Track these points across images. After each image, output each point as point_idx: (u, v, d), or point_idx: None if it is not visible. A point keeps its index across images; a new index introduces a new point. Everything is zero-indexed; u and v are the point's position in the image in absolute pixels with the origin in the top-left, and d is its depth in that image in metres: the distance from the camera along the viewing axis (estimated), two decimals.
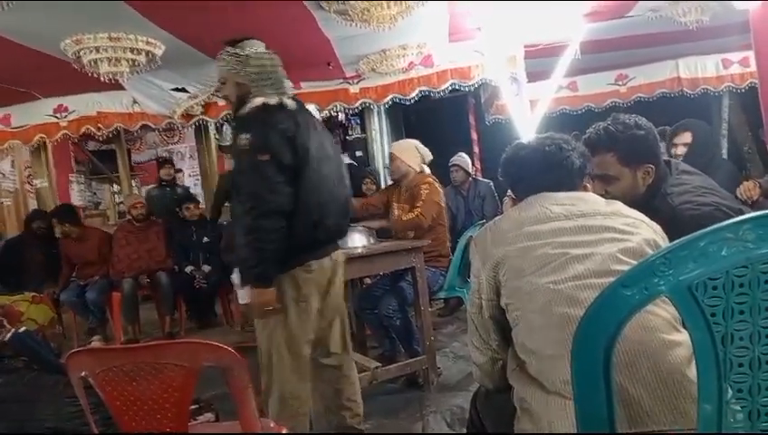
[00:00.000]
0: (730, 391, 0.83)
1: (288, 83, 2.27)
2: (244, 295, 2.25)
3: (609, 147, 1.73)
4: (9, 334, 2.00)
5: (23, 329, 2.08)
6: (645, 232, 1.34)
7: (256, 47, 2.23)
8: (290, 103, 2.20)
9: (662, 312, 1.20)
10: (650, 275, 0.84)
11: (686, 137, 2.99)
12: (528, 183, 1.50)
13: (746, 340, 0.81)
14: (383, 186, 6.02)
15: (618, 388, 1.08)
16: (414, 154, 3.63)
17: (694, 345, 0.84)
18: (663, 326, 1.19)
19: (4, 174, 6.82)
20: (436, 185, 3.63)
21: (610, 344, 0.88)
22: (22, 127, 4.67)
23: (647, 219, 1.40)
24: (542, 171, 1.47)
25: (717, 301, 0.81)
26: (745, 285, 0.80)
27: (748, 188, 2.49)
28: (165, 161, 6.11)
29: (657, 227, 1.38)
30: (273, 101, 2.15)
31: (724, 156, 5.35)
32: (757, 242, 0.79)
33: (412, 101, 4.70)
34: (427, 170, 3.72)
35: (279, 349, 2.19)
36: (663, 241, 1.35)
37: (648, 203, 1.72)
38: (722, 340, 0.81)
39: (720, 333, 0.81)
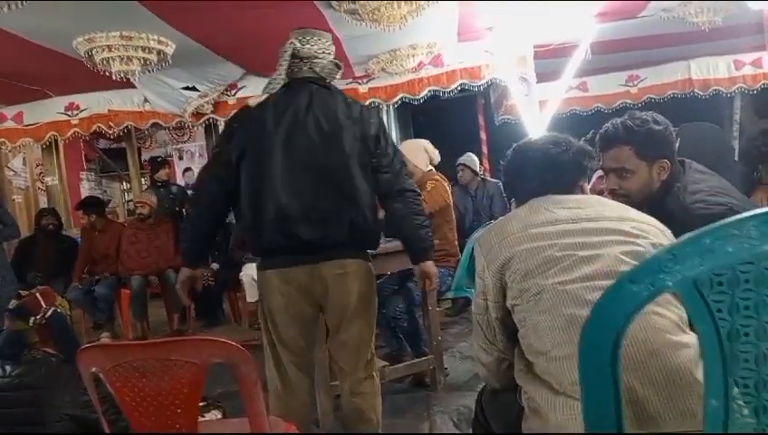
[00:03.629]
0: (736, 387, 0.83)
1: (277, 76, 2.11)
2: (253, 293, 2.25)
3: (626, 140, 1.74)
4: (50, 311, 2.02)
5: (60, 310, 2.10)
6: (653, 236, 1.34)
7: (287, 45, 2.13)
8: (254, 102, 2.11)
9: (669, 313, 1.20)
10: (657, 271, 0.84)
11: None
12: (528, 183, 1.50)
13: (752, 335, 0.81)
14: None
15: (626, 388, 1.08)
16: (421, 154, 3.63)
17: (700, 341, 0.85)
18: (670, 328, 1.19)
19: (15, 171, 6.88)
20: (445, 184, 3.63)
21: (618, 340, 0.88)
22: (33, 125, 4.70)
23: (657, 223, 1.39)
24: (540, 171, 1.48)
25: (723, 296, 0.81)
26: (751, 281, 0.80)
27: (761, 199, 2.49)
28: (163, 162, 6.11)
29: (668, 232, 1.38)
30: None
31: (736, 157, 5.30)
32: (762, 239, 0.79)
33: (421, 100, 4.70)
34: (434, 170, 3.72)
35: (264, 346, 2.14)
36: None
37: (661, 200, 1.72)
38: (728, 335, 0.82)
39: (726, 329, 0.82)
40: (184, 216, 5.60)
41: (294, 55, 2.10)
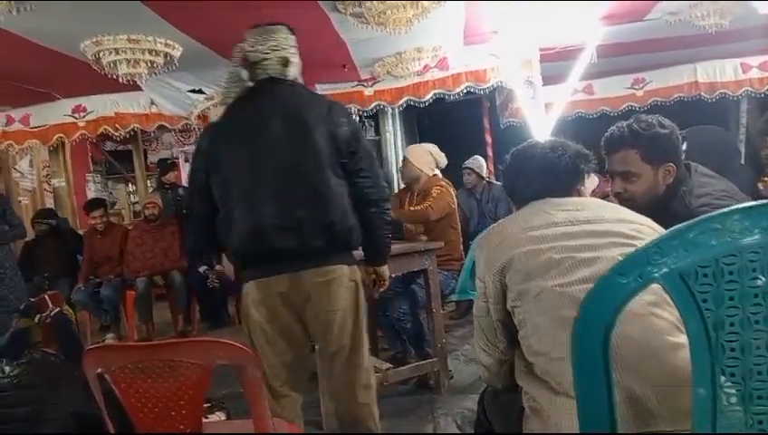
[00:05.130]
0: (723, 376, 0.85)
1: (228, 84, 2.05)
2: None
3: (632, 143, 1.74)
4: (56, 310, 2.06)
5: (66, 312, 2.14)
6: (651, 238, 1.34)
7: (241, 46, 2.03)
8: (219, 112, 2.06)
9: (667, 315, 1.21)
10: (644, 264, 0.88)
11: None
12: (526, 187, 1.52)
13: (737, 325, 0.84)
14: (396, 187, 6.02)
15: (624, 387, 1.10)
16: (426, 158, 3.62)
17: (687, 332, 0.87)
18: (668, 329, 1.20)
19: (22, 173, 6.90)
20: (450, 189, 3.62)
21: (608, 332, 0.91)
22: (41, 127, 4.74)
23: (654, 224, 1.40)
24: (538, 175, 1.50)
25: (708, 288, 0.84)
26: (734, 272, 0.83)
27: None
28: (172, 164, 6.13)
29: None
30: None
31: (742, 161, 5.28)
32: (744, 232, 0.83)
33: (427, 103, 4.70)
34: (439, 174, 3.71)
35: None
36: None
37: (667, 204, 1.72)
38: (714, 326, 0.85)
39: (712, 320, 0.85)
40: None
41: (244, 59, 2.01)
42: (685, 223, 0.86)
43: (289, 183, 1.91)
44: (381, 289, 2.33)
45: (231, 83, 2.04)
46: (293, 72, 2.04)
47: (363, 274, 2.19)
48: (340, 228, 1.93)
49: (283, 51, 2.01)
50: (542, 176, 1.49)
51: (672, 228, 0.87)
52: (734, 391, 0.85)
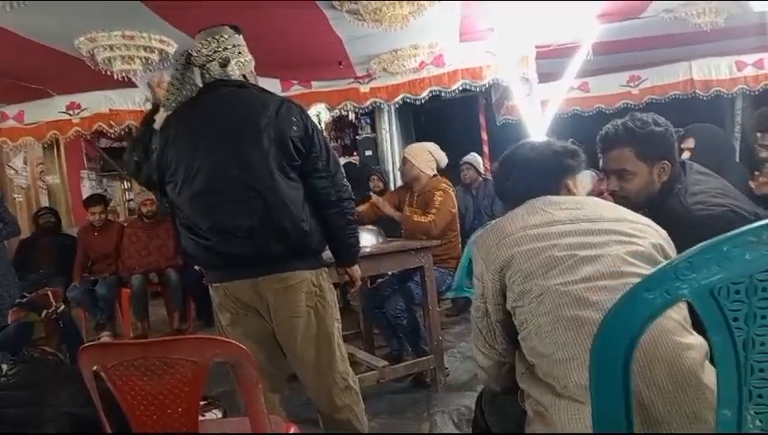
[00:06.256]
0: (750, 397, 0.82)
1: (170, 87, 1.99)
2: None
3: (627, 141, 1.75)
4: (62, 307, 2.05)
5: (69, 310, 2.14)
6: (652, 237, 1.34)
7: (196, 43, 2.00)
8: (163, 116, 1.99)
9: (674, 314, 1.20)
10: (673, 279, 0.83)
11: (689, 142, 2.99)
12: (513, 187, 1.54)
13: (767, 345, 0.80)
14: (392, 185, 6.01)
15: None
16: (427, 158, 3.58)
17: (714, 350, 0.84)
18: (676, 329, 1.18)
19: (16, 170, 6.87)
20: (451, 191, 3.57)
21: (631, 348, 0.87)
22: (35, 124, 4.71)
23: (653, 224, 1.40)
24: (521, 174, 1.52)
25: (740, 305, 0.80)
26: None
27: (762, 182, 2.51)
28: None
29: (664, 233, 1.39)
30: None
31: (737, 159, 5.30)
32: None
33: (423, 100, 4.70)
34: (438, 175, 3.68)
35: None
36: (668, 245, 1.35)
37: (662, 202, 1.73)
38: (743, 345, 0.81)
39: (741, 338, 0.81)
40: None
41: (190, 63, 1.99)
42: (720, 236, 0.81)
43: (238, 190, 1.86)
44: (352, 290, 2.31)
45: (180, 85, 1.99)
46: (236, 71, 1.99)
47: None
48: (294, 234, 1.89)
49: (224, 51, 1.98)
50: (525, 175, 1.52)
51: (705, 242, 0.82)
52: (753, 413, 0.82)
